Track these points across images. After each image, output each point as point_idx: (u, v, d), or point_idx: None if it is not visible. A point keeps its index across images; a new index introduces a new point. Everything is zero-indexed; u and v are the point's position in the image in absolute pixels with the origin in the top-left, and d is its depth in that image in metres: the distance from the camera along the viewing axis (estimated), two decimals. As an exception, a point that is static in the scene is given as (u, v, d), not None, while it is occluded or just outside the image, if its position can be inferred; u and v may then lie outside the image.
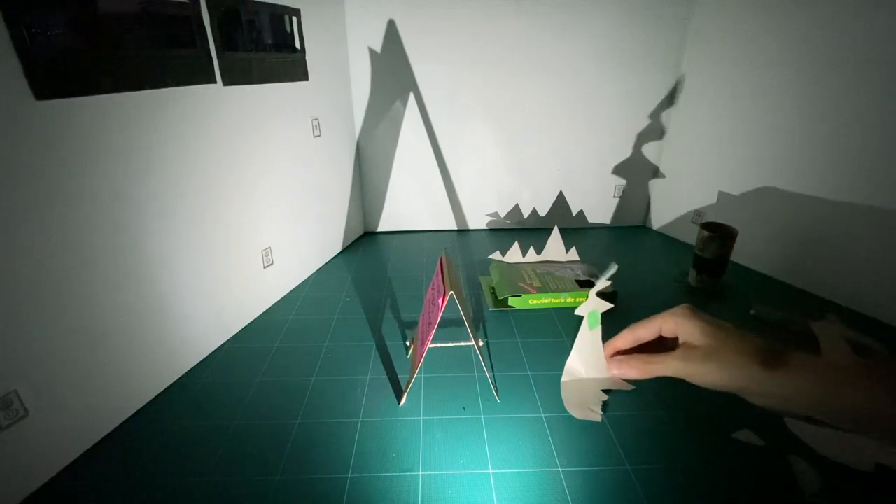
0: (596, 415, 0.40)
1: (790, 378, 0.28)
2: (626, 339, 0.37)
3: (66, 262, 0.48)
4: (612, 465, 0.49)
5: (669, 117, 1.11)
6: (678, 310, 0.33)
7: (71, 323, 0.49)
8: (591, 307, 0.39)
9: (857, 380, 0.27)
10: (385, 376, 0.63)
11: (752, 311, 0.77)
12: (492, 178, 1.16)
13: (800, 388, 0.28)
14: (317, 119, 0.90)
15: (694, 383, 0.31)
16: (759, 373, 0.29)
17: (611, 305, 0.38)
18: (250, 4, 0.70)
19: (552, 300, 0.80)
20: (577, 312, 0.41)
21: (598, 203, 1.21)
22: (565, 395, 0.42)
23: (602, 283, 0.38)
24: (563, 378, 0.44)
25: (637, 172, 1.17)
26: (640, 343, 0.37)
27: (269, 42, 0.75)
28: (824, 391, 0.27)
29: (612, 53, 1.04)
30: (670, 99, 1.09)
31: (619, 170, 1.17)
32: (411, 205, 1.18)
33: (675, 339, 0.33)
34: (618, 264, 0.37)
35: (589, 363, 0.40)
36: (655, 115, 1.11)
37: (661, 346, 0.34)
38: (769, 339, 0.31)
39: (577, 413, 0.41)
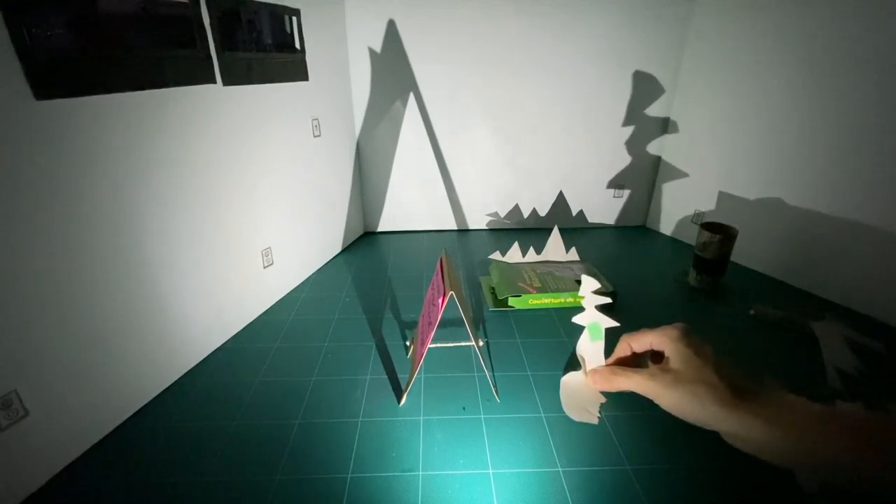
0: (594, 417, 0.40)
1: (749, 421, 0.27)
2: (624, 350, 0.37)
3: (66, 262, 0.48)
4: (612, 465, 0.49)
5: (669, 117, 1.11)
6: (669, 328, 0.33)
7: (71, 323, 0.49)
8: (591, 319, 0.39)
9: (820, 430, 0.26)
10: (385, 376, 0.63)
11: (751, 311, 0.77)
12: (492, 178, 1.16)
13: (759, 432, 0.27)
14: (317, 119, 0.90)
15: (659, 405, 0.31)
16: (719, 411, 0.28)
17: (616, 324, 0.38)
18: (250, 4, 0.70)
19: (552, 300, 0.80)
20: (574, 320, 0.40)
21: (598, 203, 1.21)
22: (564, 397, 0.42)
23: (593, 298, 0.38)
24: (563, 379, 0.44)
25: (637, 172, 1.17)
26: (634, 353, 0.37)
27: (269, 42, 0.75)
28: (785, 439, 0.26)
29: (612, 53, 1.04)
30: (670, 99, 1.09)
31: (619, 170, 1.17)
32: (411, 205, 1.18)
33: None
34: (599, 267, 0.37)
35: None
36: (655, 115, 1.11)
37: (659, 358, 0.34)
38: (749, 379, 0.30)
39: (574, 415, 0.41)
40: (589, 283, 0.37)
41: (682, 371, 0.30)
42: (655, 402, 0.31)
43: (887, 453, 0.23)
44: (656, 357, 0.35)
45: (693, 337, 0.32)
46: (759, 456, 0.28)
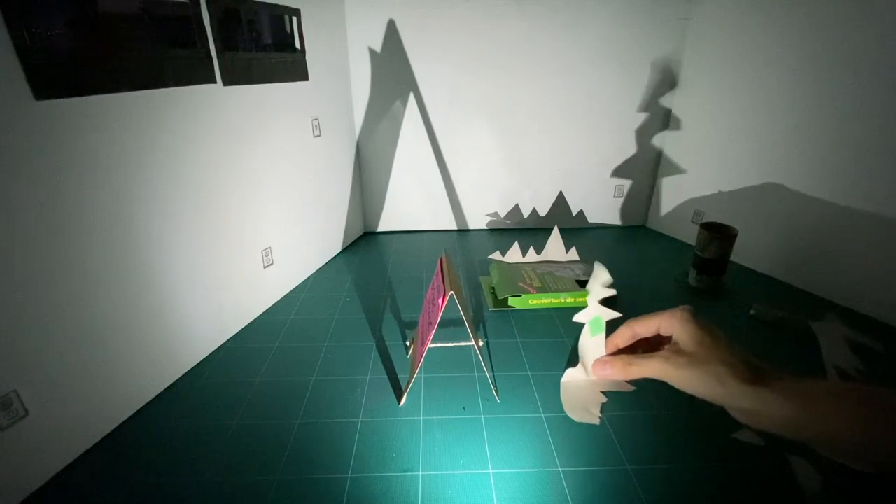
0: (594, 417, 0.39)
1: (769, 397, 0.28)
2: (624, 335, 0.37)
3: (66, 262, 0.48)
4: (612, 465, 0.49)
5: (669, 117, 1.11)
6: (678, 311, 0.33)
7: (71, 323, 0.49)
8: (593, 314, 0.38)
9: (835, 403, 0.26)
10: (385, 376, 0.63)
11: (751, 311, 0.77)
12: (492, 178, 1.16)
13: (779, 407, 0.28)
14: (317, 119, 0.90)
15: (676, 387, 0.31)
16: (739, 388, 0.28)
17: (618, 314, 0.38)
18: (250, 4, 0.70)
19: (552, 300, 0.80)
20: (575, 319, 0.40)
21: (598, 203, 1.21)
22: (564, 396, 0.42)
23: (600, 291, 0.37)
24: (563, 379, 0.44)
25: (637, 172, 1.17)
26: (637, 339, 0.37)
27: (269, 42, 0.75)
28: (803, 413, 0.27)
29: (611, 53, 1.04)
30: (670, 99, 1.09)
31: (619, 170, 1.17)
32: (411, 205, 1.18)
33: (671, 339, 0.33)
34: (605, 266, 0.36)
35: (590, 367, 0.40)
36: (655, 115, 1.11)
37: (661, 344, 0.34)
38: (759, 358, 0.30)
39: (575, 415, 0.40)
40: (601, 273, 0.36)
41: (697, 352, 0.31)
42: (671, 383, 0.32)
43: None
44: (652, 342, 0.35)
45: (702, 319, 0.33)
46: (772, 431, 0.29)
